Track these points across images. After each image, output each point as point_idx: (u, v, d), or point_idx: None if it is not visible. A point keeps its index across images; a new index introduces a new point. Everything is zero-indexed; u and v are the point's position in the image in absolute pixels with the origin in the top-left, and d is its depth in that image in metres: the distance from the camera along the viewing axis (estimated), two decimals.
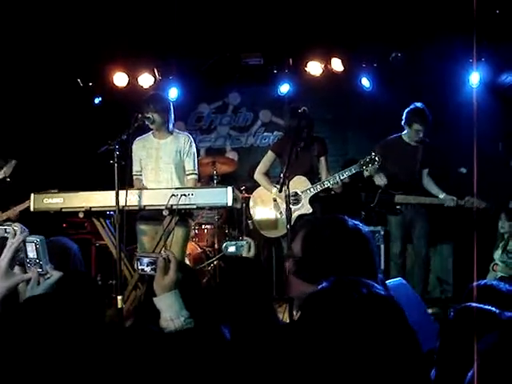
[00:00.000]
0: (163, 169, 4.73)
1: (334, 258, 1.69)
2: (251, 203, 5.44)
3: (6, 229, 1.98)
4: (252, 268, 2.25)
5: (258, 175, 5.39)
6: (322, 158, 5.25)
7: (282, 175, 4.41)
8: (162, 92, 6.81)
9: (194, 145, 4.85)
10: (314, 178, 5.19)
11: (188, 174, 4.79)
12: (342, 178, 4.91)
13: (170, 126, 4.79)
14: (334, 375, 1.10)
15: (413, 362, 1.15)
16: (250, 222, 5.75)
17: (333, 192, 5.21)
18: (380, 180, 5.20)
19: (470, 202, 5.06)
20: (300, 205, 5.08)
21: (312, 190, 5.06)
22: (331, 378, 1.10)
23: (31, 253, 1.88)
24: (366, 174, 5.24)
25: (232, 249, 2.54)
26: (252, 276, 2.18)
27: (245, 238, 2.70)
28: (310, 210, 5.06)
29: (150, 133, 4.85)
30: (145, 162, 4.81)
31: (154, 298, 1.90)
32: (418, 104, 5.23)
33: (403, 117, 5.29)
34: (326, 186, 5.02)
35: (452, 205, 5.14)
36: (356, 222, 1.81)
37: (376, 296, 1.19)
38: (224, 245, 2.58)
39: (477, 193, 4.96)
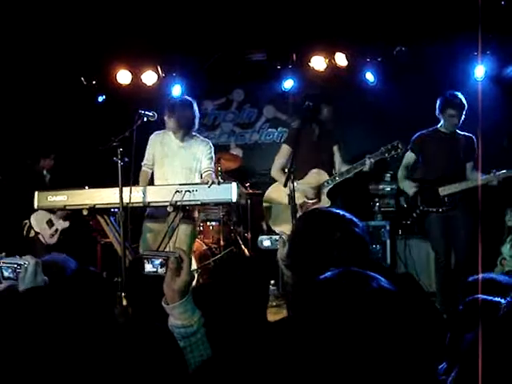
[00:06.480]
0: (176, 172, 4.65)
1: (314, 251, 1.70)
2: (265, 203, 5.15)
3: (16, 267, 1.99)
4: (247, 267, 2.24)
5: (274, 172, 5.12)
6: (335, 147, 5.05)
7: (286, 170, 4.35)
8: (166, 89, 6.83)
9: (213, 150, 4.79)
10: (331, 170, 4.97)
11: (205, 171, 4.68)
12: (361, 167, 4.68)
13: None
14: (339, 370, 1.07)
15: (422, 356, 1.13)
16: (263, 223, 5.54)
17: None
18: (409, 188, 4.97)
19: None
20: (318, 199, 4.87)
21: (329, 182, 4.84)
22: (336, 374, 1.07)
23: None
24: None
25: (267, 243, 2.53)
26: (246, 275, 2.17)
27: (279, 232, 2.69)
28: (329, 204, 4.83)
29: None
30: (158, 159, 4.73)
31: (165, 306, 1.71)
32: (451, 92, 4.98)
33: (436, 108, 5.02)
34: (344, 177, 4.80)
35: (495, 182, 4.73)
36: (350, 217, 1.81)
37: (385, 291, 1.15)
38: (259, 239, 2.57)
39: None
